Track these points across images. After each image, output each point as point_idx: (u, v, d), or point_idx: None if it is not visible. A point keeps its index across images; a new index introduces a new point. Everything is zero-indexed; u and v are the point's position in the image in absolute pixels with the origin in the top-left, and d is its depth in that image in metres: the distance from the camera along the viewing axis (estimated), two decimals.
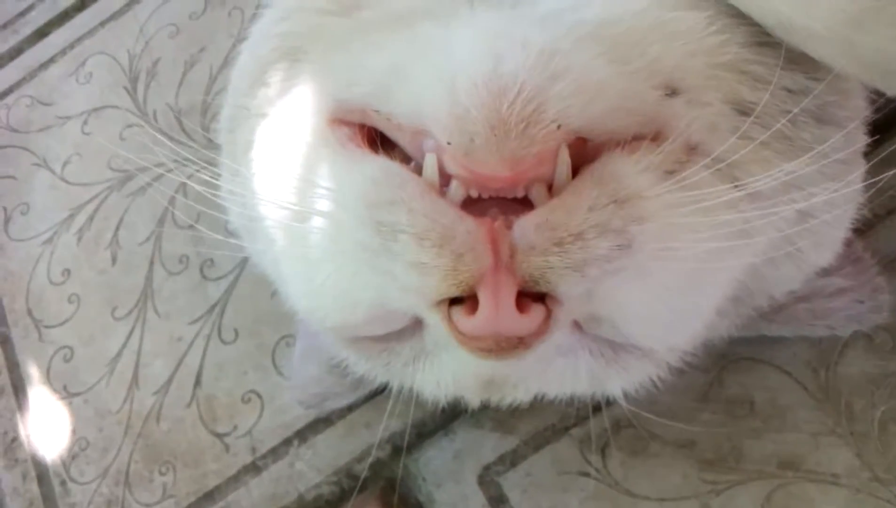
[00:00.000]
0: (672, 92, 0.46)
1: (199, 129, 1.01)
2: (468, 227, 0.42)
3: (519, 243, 0.41)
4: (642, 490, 0.68)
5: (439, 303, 0.44)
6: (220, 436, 0.83)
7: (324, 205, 0.47)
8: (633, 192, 0.43)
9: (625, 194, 0.43)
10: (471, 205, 0.44)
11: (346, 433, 0.79)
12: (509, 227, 0.42)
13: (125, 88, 1.08)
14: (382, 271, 0.44)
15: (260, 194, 0.55)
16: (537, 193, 0.43)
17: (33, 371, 0.94)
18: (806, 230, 0.51)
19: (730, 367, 0.70)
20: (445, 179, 0.44)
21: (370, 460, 0.77)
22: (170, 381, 0.88)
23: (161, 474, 0.84)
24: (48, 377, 0.93)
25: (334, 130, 0.49)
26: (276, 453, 0.80)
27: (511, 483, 0.71)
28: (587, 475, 0.70)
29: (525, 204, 0.44)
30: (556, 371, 0.56)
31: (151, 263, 0.95)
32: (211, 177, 0.58)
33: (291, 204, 0.50)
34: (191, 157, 0.60)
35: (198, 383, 0.86)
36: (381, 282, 0.46)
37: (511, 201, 0.44)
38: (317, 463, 0.79)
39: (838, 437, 0.65)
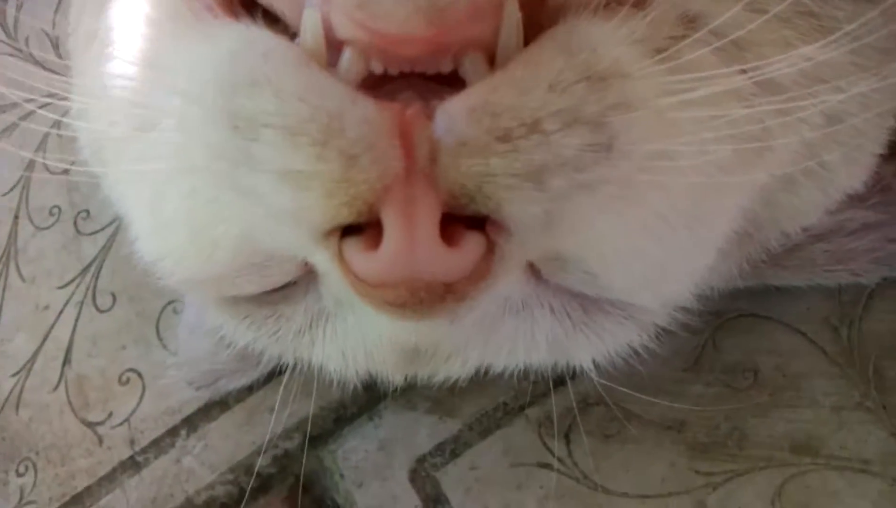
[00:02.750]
0: None
1: None
2: (365, 113, 0.28)
3: (443, 138, 0.28)
4: (619, 484, 0.54)
5: (327, 234, 0.31)
6: (92, 426, 0.67)
7: (169, 99, 0.33)
8: (614, 66, 0.31)
9: (602, 68, 0.30)
10: (373, 87, 0.30)
11: (245, 420, 0.64)
12: (429, 116, 0.29)
13: None
14: (244, 188, 0.31)
15: (98, 97, 0.41)
16: (472, 65, 0.30)
17: None
18: (833, 140, 0.41)
19: (727, 326, 0.56)
20: (335, 48, 0.31)
21: (275, 452, 0.61)
22: (33, 359, 0.72)
23: (19, 474, 0.68)
24: None
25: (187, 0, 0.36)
26: (159, 446, 0.65)
27: (451, 478, 0.57)
28: (548, 466, 0.55)
29: (453, 85, 0.30)
30: (504, 336, 0.42)
31: (16, 217, 0.79)
32: None
33: (131, 105, 0.37)
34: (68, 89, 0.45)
35: (67, 361, 0.70)
36: (245, 207, 0.33)
37: (432, 79, 0.31)
38: (209, 458, 0.63)
39: (867, 412, 0.52)
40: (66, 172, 0.79)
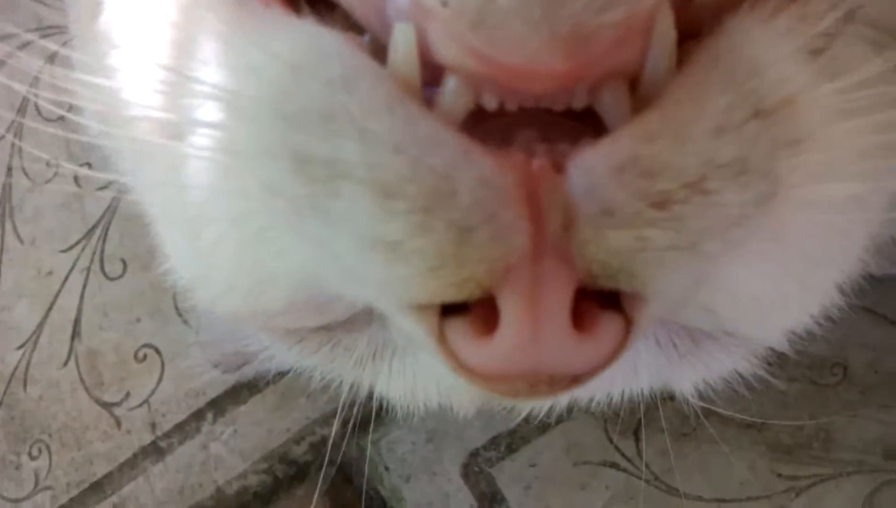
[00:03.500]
0: None
1: None
2: (483, 171, 0.22)
3: (583, 204, 0.22)
4: (693, 487, 0.50)
5: (421, 306, 0.25)
6: (108, 406, 0.62)
7: (207, 109, 0.26)
8: (783, 92, 0.24)
9: (773, 99, 0.24)
10: (479, 125, 0.23)
11: (278, 404, 0.59)
12: (559, 169, 0.22)
13: None
14: (313, 238, 0.25)
15: (110, 89, 0.33)
16: (612, 98, 0.23)
17: None
18: None
19: None
20: (433, 71, 0.23)
21: (311, 439, 0.57)
22: (38, 330, 0.66)
23: (32, 457, 0.63)
24: None
25: None
26: (183, 430, 0.60)
27: (509, 475, 0.53)
28: (615, 466, 0.51)
29: (581, 119, 0.24)
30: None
31: (9, 169, 0.72)
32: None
33: (155, 107, 0.29)
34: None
35: (76, 334, 0.65)
36: (313, 254, 0.27)
37: (555, 115, 0.24)
38: (240, 445, 0.59)
39: None
40: (62, 118, 0.72)
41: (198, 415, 0.60)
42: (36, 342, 0.66)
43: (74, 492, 0.61)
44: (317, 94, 0.23)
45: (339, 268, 0.25)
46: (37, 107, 0.71)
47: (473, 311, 0.24)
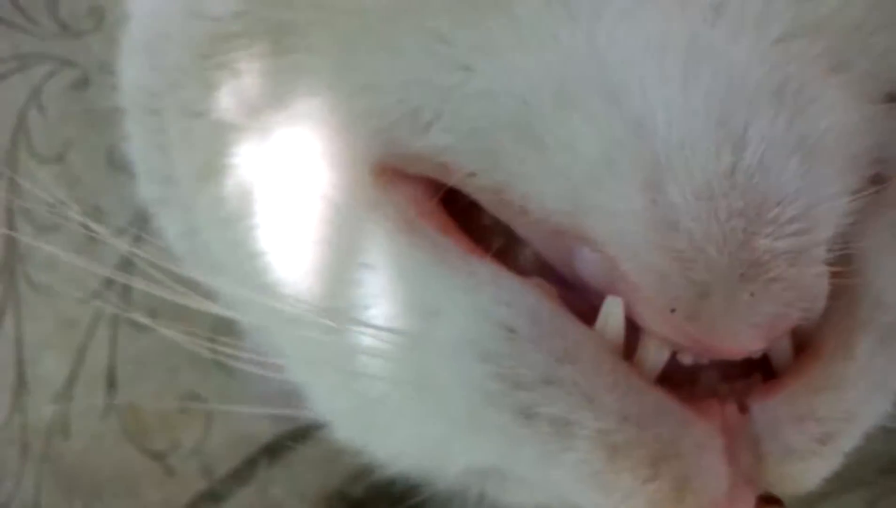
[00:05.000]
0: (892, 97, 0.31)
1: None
2: (699, 437, 0.28)
3: (770, 447, 0.29)
4: None
5: None
6: (157, 457, 0.64)
7: (386, 343, 0.30)
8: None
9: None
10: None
11: (333, 447, 0.62)
12: (742, 408, 0.29)
13: None
14: (525, 466, 0.30)
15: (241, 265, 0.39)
16: (780, 348, 0.30)
17: None
18: None
19: None
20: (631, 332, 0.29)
21: (370, 478, 0.61)
22: (71, 382, 0.67)
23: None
24: None
25: (385, 190, 0.30)
26: (239, 476, 0.63)
27: None
28: None
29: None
30: None
31: (10, 212, 0.70)
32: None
33: (310, 309, 0.33)
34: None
35: (111, 385, 0.66)
36: (512, 466, 0.32)
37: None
38: (298, 487, 0.62)
39: None
40: (59, 159, 0.70)
41: (251, 462, 0.63)
42: (70, 394, 0.66)
43: None
44: (539, 362, 0.27)
45: (541, 480, 0.30)
46: (30, 143, 0.69)
47: None
